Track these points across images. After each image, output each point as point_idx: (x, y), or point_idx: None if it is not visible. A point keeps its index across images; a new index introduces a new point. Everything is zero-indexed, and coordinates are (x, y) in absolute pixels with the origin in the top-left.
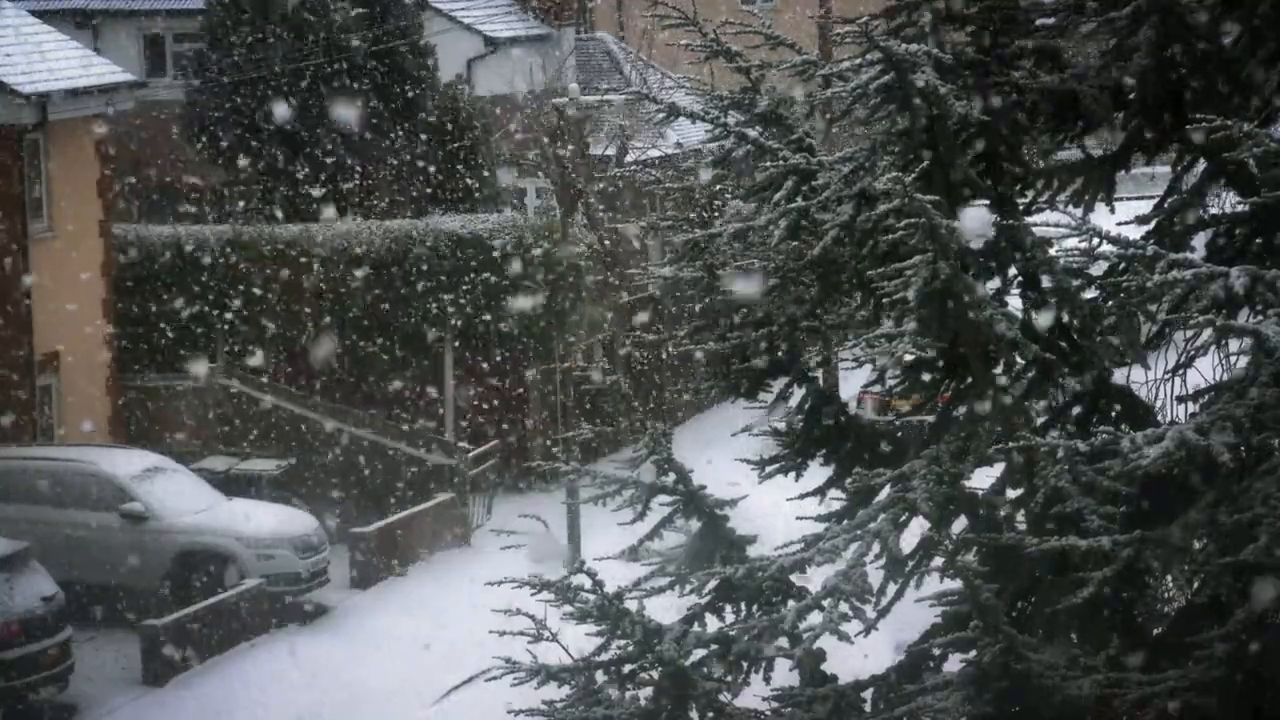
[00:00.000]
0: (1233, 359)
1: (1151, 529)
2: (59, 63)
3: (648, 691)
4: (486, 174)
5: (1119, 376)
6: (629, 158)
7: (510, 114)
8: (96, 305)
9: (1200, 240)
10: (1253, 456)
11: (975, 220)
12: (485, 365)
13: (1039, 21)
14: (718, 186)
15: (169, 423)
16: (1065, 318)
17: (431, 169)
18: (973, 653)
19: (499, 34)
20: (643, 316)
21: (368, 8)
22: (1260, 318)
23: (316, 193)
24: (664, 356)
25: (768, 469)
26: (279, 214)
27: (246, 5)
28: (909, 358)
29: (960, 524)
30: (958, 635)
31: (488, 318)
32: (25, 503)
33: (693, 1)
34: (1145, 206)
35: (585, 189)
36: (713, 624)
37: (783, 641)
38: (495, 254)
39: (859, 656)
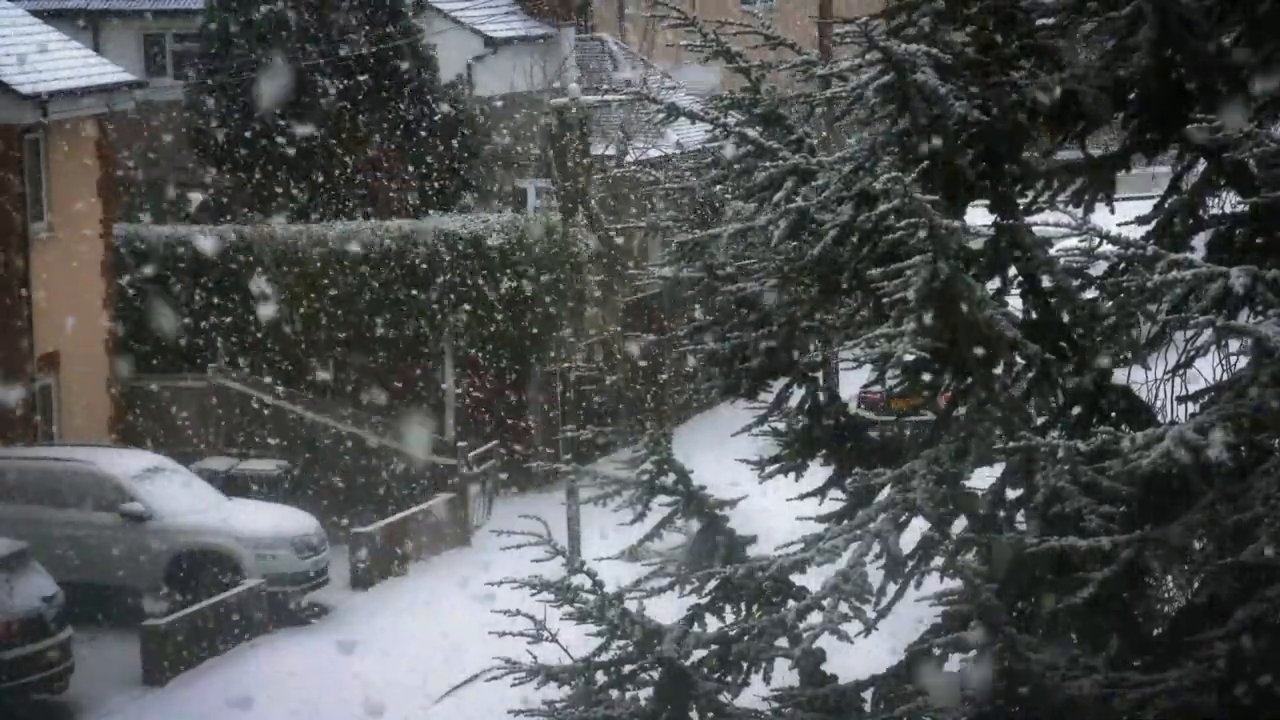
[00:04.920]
0: (1233, 359)
1: (1151, 529)
2: (59, 63)
3: (648, 691)
4: (486, 174)
5: (1119, 376)
6: (629, 158)
7: (510, 114)
8: (96, 305)
9: (1200, 240)
10: (1253, 456)
11: None
12: (485, 365)
13: (1039, 21)
14: (717, 187)
15: (169, 423)
16: (1065, 318)
17: (432, 169)
18: (973, 653)
19: (499, 34)
20: (643, 316)
21: (368, 8)
22: (1260, 318)
23: (316, 193)
24: (664, 356)
25: (768, 469)
26: (278, 214)
27: (246, 6)
28: (909, 358)
29: (960, 524)
30: (958, 635)
31: (487, 317)
32: (25, 503)
33: (693, 2)
34: (1145, 206)
35: (585, 189)
36: (713, 624)
37: (783, 641)
38: (495, 254)
39: (860, 656)
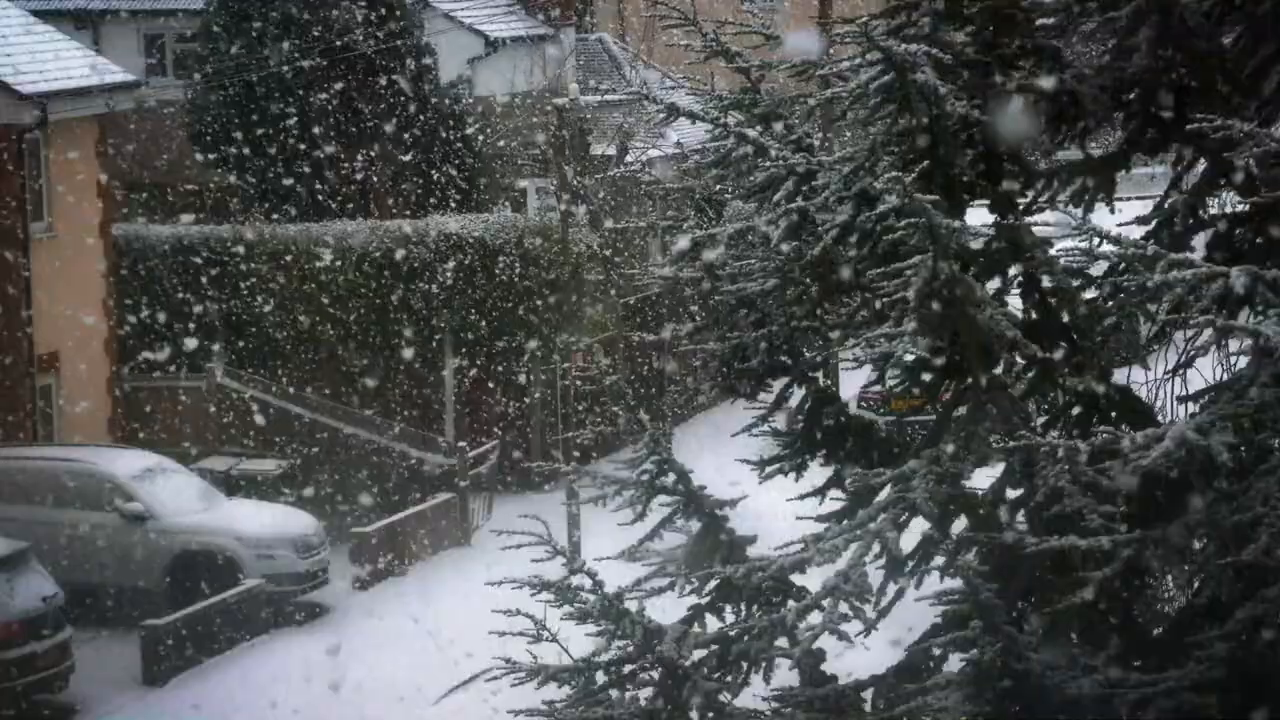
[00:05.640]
0: (1233, 359)
1: (1151, 529)
2: (59, 63)
3: (648, 691)
4: (486, 174)
5: (1119, 376)
6: (629, 157)
7: (510, 114)
8: (96, 305)
9: (1200, 240)
10: (1253, 456)
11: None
12: (485, 365)
13: (1039, 21)
14: (718, 187)
15: (169, 423)
16: (1065, 318)
17: (431, 169)
18: (973, 652)
19: (499, 34)
20: (643, 317)
21: (368, 8)
22: (1260, 318)
23: (316, 193)
24: (663, 357)
25: (768, 469)
26: (278, 214)
27: (246, 6)
28: (909, 358)
29: (960, 524)
30: (958, 635)
31: (488, 317)
32: (25, 503)
33: (693, 2)
34: (1145, 206)
35: (585, 189)
36: (713, 624)
37: (783, 641)
38: (495, 254)
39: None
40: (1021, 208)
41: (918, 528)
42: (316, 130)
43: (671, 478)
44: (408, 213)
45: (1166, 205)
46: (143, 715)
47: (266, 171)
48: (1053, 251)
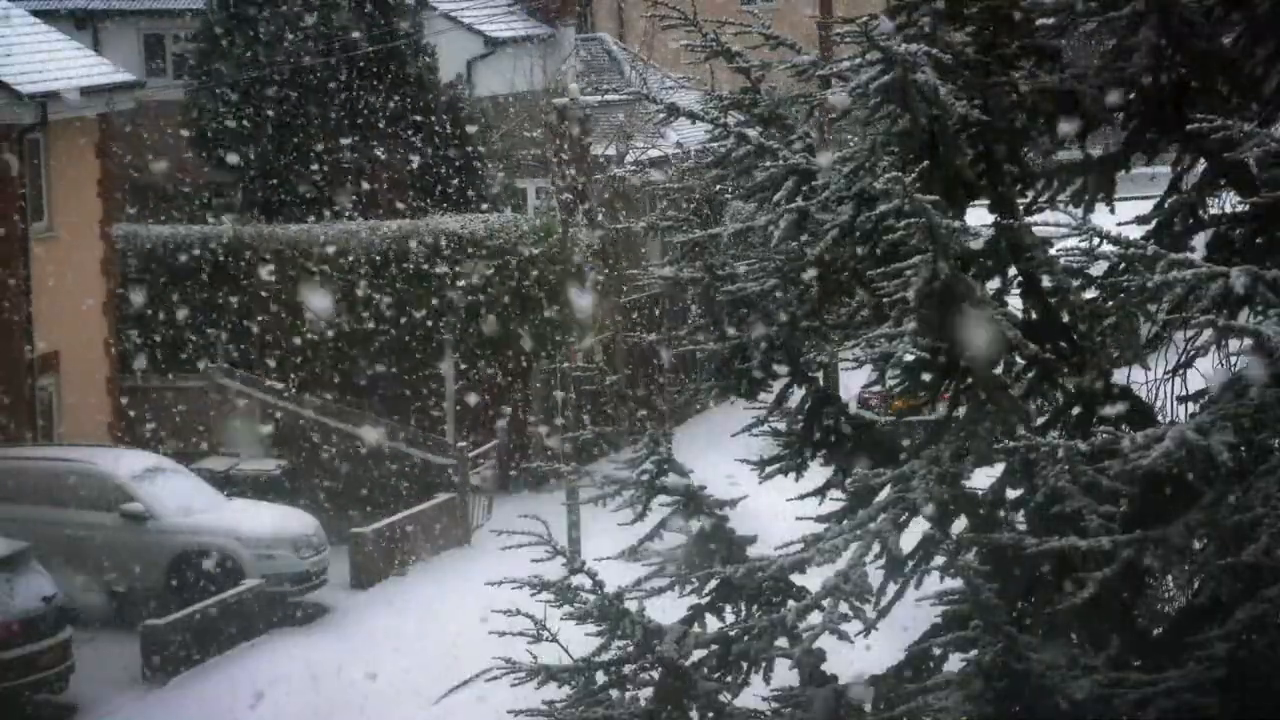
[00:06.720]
0: (1233, 359)
1: (1151, 529)
2: (59, 63)
3: (648, 691)
4: (486, 174)
5: (1119, 376)
6: (629, 158)
7: (510, 114)
8: (96, 305)
9: (1200, 240)
10: (1253, 456)
11: None
12: (485, 365)
13: (1039, 21)
14: (718, 187)
15: (169, 423)
16: (1065, 318)
17: (431, 169)
18: (973, 652)
19: (499, 34)
20: (643, 317)
21: (368, 8)
22: (1260, 318)
23: (315, 193)
24: (663, 356)
25: (768, 469)
26: (277, 214)
27: (246, 6)
28: (909, 358)
29: (961, 524)
30: (958, 635)
31: (487, 317)
32: (25, 503)
33: (693, 2)
34: (1145, 206)
35: (585, 189)
36: (713, 624)
37: (783, 641)
38: (495, 254)
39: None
40: (1021, 208)
41: (918, 528)
42: (316, 131)
43: (671, 478)
44: (407, 213)
45: (1166, 205)
46: (143, 715)
47: (266, 172)
48: (1053, 251)
